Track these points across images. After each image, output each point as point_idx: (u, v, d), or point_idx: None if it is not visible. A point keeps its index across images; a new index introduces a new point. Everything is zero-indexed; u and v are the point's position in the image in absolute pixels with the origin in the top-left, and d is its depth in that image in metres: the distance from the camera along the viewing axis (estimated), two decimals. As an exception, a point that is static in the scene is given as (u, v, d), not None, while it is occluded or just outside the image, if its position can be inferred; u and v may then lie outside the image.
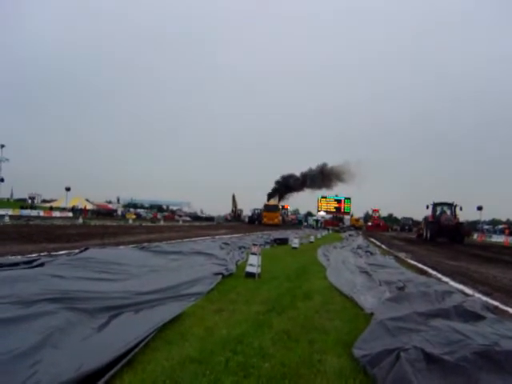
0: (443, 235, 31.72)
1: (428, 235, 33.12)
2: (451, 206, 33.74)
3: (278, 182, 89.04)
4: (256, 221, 73.12)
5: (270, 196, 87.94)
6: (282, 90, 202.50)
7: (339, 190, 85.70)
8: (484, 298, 6.36)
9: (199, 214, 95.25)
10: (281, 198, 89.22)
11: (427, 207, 35.25)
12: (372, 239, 31.58)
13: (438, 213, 33.81)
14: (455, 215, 33.13)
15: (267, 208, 74.10)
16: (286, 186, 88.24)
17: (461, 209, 33.83)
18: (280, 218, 75.09)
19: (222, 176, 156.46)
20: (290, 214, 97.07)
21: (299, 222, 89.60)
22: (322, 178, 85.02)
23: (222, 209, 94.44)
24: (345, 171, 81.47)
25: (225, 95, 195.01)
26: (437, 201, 34.92)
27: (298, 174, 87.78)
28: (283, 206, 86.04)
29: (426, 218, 36.05)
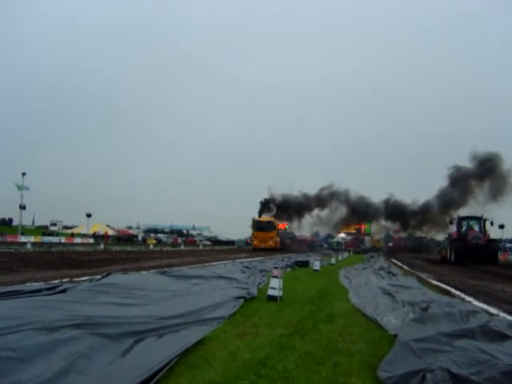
0: (471, 256, 25.60)
1: (452, 257, 26.57)
2: (480, 220, 28.30)
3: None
4: None
5: (262, 208, 62.87)
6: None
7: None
8: (510, 318, 6.21)
9: (219, 237, 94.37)
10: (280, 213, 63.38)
11: (451, 222, 30.67)
12: (393, 260, 31.08)
13: (463, 229, 28.17)
14: (485, 231, 27.68)
15: (258, 226, 52.77)
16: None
17: (491, 223, 28.50)
18: (277, 239, 53.07)
19: (242, 199, 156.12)
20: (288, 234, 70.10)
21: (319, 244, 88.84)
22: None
23: (243, 232, 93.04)
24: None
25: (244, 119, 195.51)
26: (462, 214, 30.08)
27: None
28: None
29: (449, 236, 30.11)
